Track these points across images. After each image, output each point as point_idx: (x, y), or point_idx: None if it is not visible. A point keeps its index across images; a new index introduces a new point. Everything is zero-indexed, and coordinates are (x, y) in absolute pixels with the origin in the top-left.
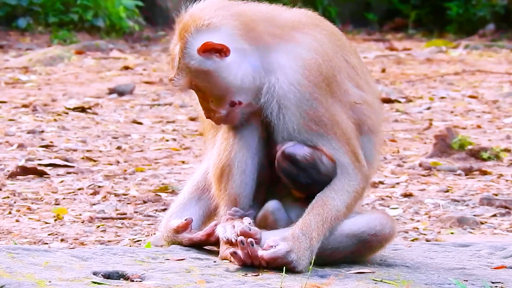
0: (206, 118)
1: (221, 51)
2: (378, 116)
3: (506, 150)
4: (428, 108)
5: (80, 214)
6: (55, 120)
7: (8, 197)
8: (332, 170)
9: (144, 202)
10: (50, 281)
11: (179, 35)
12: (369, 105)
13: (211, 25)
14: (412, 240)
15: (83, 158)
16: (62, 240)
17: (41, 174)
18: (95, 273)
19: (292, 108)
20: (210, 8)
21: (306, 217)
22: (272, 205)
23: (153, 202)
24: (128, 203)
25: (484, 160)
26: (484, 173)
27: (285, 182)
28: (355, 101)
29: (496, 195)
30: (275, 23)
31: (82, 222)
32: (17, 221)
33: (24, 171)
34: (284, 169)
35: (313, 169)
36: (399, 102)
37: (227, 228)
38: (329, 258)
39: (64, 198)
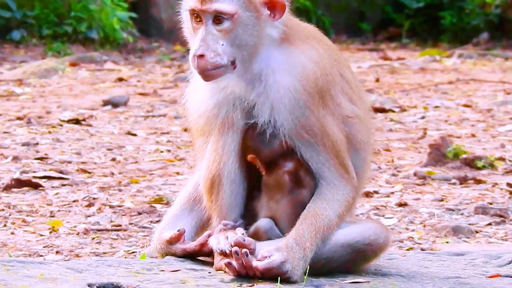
0: (198, 55)
1: (277, 11)
2: (369, 130)
3: (501, 158)
4: (422, 117)
5: (75, 226)
6: (49, 132)
7: (3, 209)
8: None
9: (139, 213)
10: None
11: None
12: (360, 120)
13: None
14: (407, 250)
15: (77, 170)
16: (57, 252)
17: (36, 186)
18: (90, 285)
19: (285, 113)
20: None
21: (299, 227)
22: (265, 222)
23: (148, 214)
24: (123, 215)
25: (479, 169)
26: (479, 182)
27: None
28: (348, 115)
29: (491, 203)
30: (297, 30)
31: (77, 234)
32: (12, 233)
33: (19, 183)
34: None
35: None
36: (393, 111)
37: (220, 240)
38: (323, 268)
39: (59, 210)
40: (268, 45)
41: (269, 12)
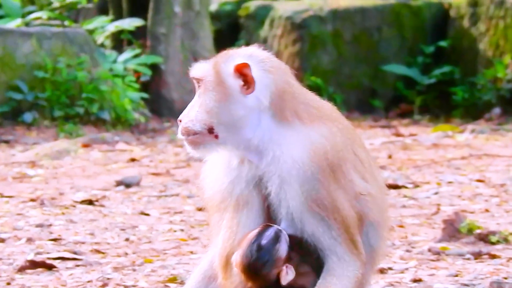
0: (178, 120)
1: (248, 84)
2: (382, 209)
3: None
4: (436, 193)
5: None
6: (63, 213)
7: None
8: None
9: None
10: None
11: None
12: (373, 198)
13: (259, 63)
14: None
15: (91, 250)
16: None
17: (50, 267)
18: None
19: (294, 185)
20: (268, 56)
21: None
22: None
23: None
24: None
25: (493, 243)
26: (493, 256)
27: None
28: (360, 192)
29: (506, 278)
30: (307, 107)
31: None
32: None
33: (33, 265)
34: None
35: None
36: (406, 187)
37: None
38: None
39: None
40: (258, 116)
41: (243, 84)
